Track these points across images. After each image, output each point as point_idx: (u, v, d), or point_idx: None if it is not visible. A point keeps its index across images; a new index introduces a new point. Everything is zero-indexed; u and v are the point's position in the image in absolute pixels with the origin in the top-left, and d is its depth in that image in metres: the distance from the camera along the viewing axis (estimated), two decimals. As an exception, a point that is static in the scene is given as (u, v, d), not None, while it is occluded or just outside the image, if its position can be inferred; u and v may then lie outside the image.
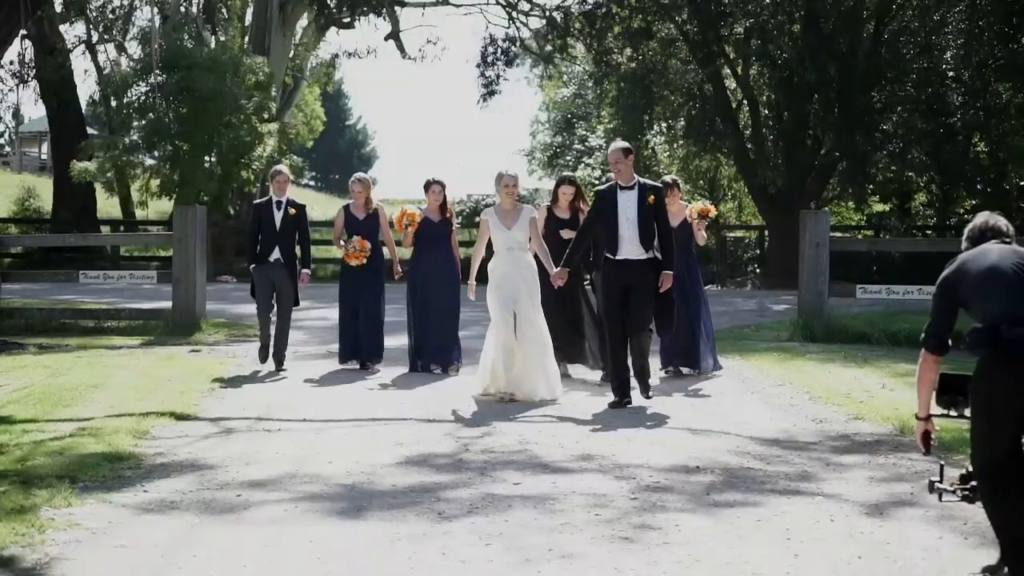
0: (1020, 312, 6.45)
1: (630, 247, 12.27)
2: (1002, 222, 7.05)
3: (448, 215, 14.93)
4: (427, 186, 14.84)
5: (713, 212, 14.70)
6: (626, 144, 12.68)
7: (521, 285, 12.70)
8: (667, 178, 14.55)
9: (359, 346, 14.91)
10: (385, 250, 15.33)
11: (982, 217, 7.11)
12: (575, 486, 8.77)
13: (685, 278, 14.00)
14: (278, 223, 14.81)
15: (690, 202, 15.01)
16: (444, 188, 14.81)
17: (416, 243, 14.65)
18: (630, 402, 12.16)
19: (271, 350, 14.93)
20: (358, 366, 14.87)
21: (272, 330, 14.91)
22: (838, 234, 32.33)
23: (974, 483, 6.62)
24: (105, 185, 34.90)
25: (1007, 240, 6.91)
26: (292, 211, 14.83)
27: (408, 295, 14.72)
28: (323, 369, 14.84)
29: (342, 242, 14.91)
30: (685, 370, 14.41)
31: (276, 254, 14.82)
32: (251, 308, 15.88)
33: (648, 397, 12.30)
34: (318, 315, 20.22)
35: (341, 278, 15.23)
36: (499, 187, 13.10)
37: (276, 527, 7.65)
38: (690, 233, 14.31)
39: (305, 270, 15.03)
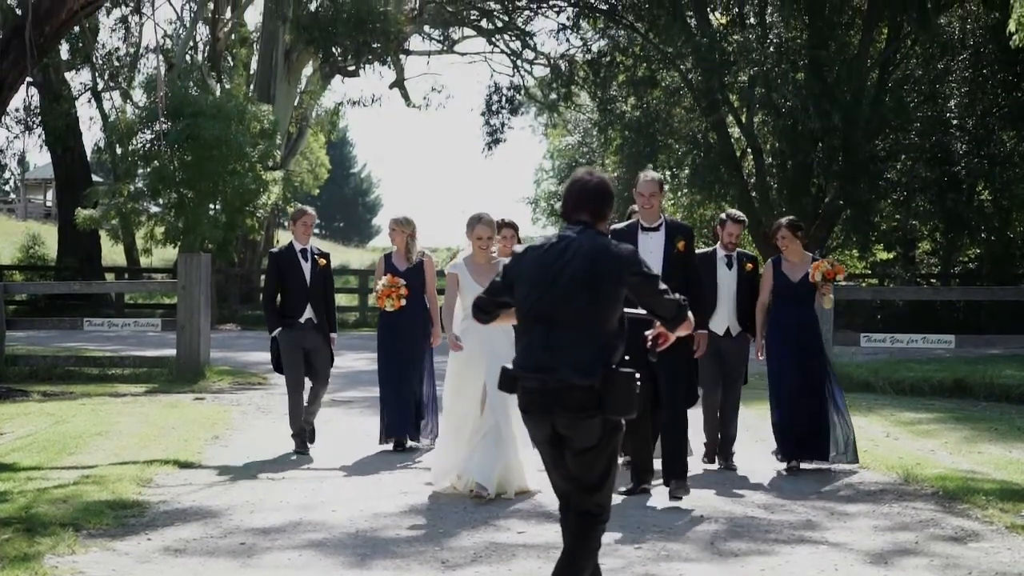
0: (532, 361, 5.81)
1: None
2: (594, 182, 5.92)
3: None
4: (498, 228, 11.20)
5: (841, 276, 11.56)
6: (660, 175, 10.66)
7: (495, 359, 9.76)
8: (783, 220, 11.81)
9: (400, 420, 12.49)
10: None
11: (580, 173, 6.04)
12: (579, 535, 8.74)
13: (806, 341, 11.52)
14: (308, 276, 12.29)
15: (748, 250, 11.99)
16: (517, 230, 11.47)
17: None
18: (647, 490, 10.26)
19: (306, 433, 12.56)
20: (391, 446, 12.58)
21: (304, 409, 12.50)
22: (842, 282, 32.35)
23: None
24: (110, 232, 35.06)
25: (587, 222, 5.85)
26: (322, 261, 12.43)
27: None
28: (327, 418, 14.71)
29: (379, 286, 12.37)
30: (806, 464, 11.54)
31: (308, 313, 12.28)
32: (256, 355, 15.65)
33: (675, 496, 10.00)
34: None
35: (380, 335, 12.70)
36: (471, 236, 10.62)
37: (280, 575, 7.63)
38: (813, 289, 11.57)
39: (333, 334, 12.57)
